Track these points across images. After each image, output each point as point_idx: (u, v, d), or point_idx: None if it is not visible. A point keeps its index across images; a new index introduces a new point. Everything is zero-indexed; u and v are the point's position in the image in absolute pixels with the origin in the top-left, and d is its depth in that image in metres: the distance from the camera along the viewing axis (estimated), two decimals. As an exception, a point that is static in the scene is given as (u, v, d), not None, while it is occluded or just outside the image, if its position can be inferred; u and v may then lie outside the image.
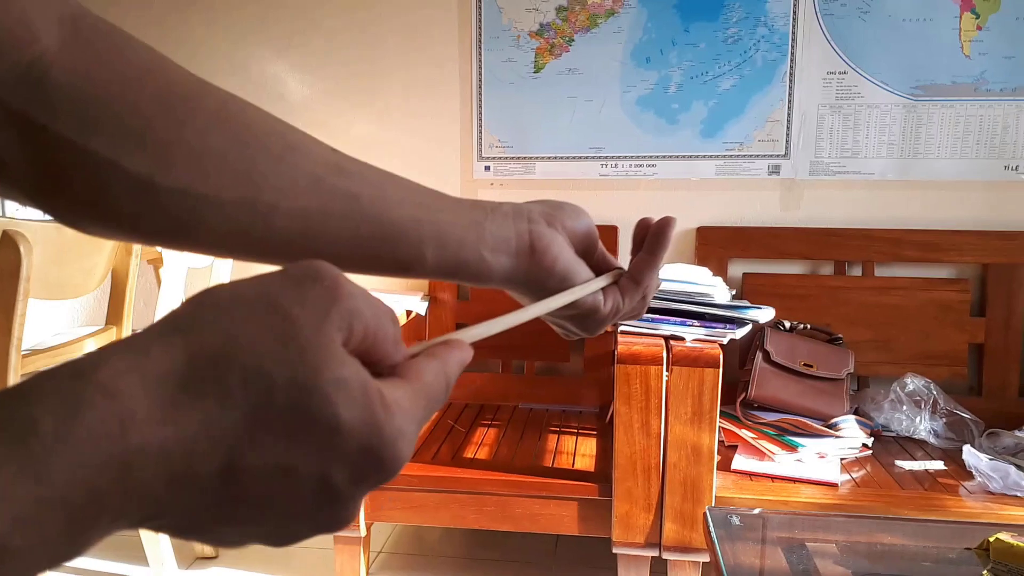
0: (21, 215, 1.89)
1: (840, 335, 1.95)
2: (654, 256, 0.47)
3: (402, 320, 2.00)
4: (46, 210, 0.37)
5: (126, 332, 1.66)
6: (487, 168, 2.20)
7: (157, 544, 1.75)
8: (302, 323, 0.25)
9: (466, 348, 0.32)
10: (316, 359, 0.24)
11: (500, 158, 2.19)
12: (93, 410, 0.21)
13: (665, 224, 0.48)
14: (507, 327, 0.36)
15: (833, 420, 1.74)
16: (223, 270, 2.09)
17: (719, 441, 1.64)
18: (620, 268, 0.47)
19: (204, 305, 0.25)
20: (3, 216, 1.84)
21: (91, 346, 1.56)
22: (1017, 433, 1.76)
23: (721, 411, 1.57)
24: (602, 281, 0.46)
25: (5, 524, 0.19)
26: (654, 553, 1.57)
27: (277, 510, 0.25)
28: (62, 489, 0.20)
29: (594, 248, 0.48)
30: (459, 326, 2.18)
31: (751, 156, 2.10)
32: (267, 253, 0.39)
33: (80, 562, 1.91)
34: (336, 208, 0.39)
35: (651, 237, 0.48)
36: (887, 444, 1.81)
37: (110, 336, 1.62)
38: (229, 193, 0.37)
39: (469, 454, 1.77)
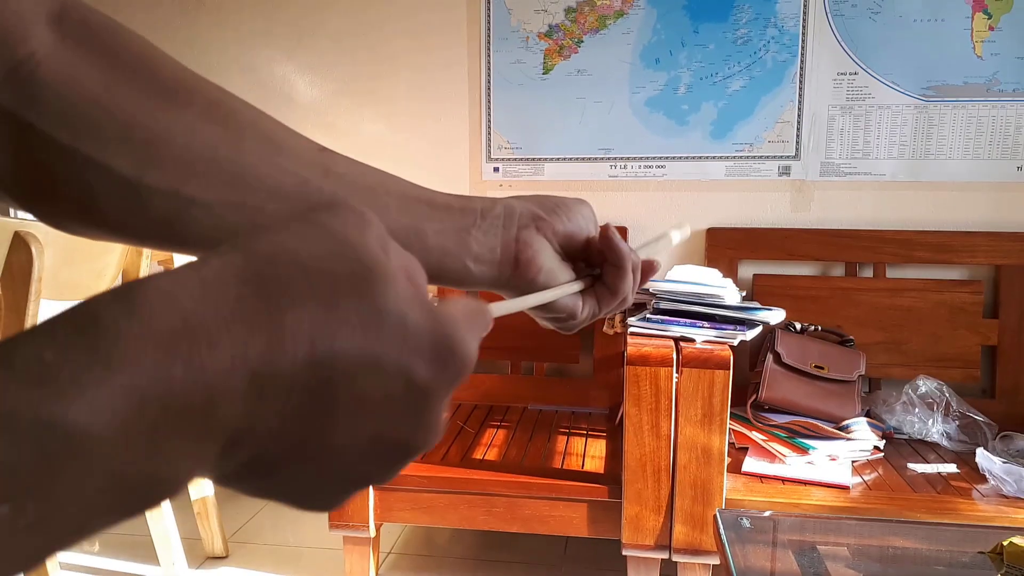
0: (33, 217, 1.90)
1: (851, 337, 1.94)
2: (619, 266, 0.46)
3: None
4: (32, 211, 0.37)
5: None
6: (496, 169, 2.20)
7: (168, 543, 1.76)
8: (349, 232, 0.25)
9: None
10: (370, 258, 0.24)
11: (509, 159, 2.19)
12: (151, 308, 0.20)
13: (604, 234, 0.46)
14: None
15: (844, 422, 1.73)
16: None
17: (729, 443, 1.63)
18: (593, 274, 0.47)
19: (248, 234, 0.24)
20: (15, 218, 1.86)
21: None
22: (1031, 436, 1.74)
23: (731, 413, 1.56)
24: (575, 286, 0.45)
25: (82, 410, 0.18)
26: (664, 555, 1.56)
27: (370, 416, 0.24)
28: (137, 378, 0.19)
29: (592, 244, 0.47)
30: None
31: (761, 157, 2.09)
32: None
33: (92, 561, 1.92)
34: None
35: (605, 251, 0.47)
36: (899, 447, 1.80)
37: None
38: (215, 195, 0.37)
39: (478, 455, 1.77)
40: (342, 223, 0.25)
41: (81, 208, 0.36)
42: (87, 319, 0.20)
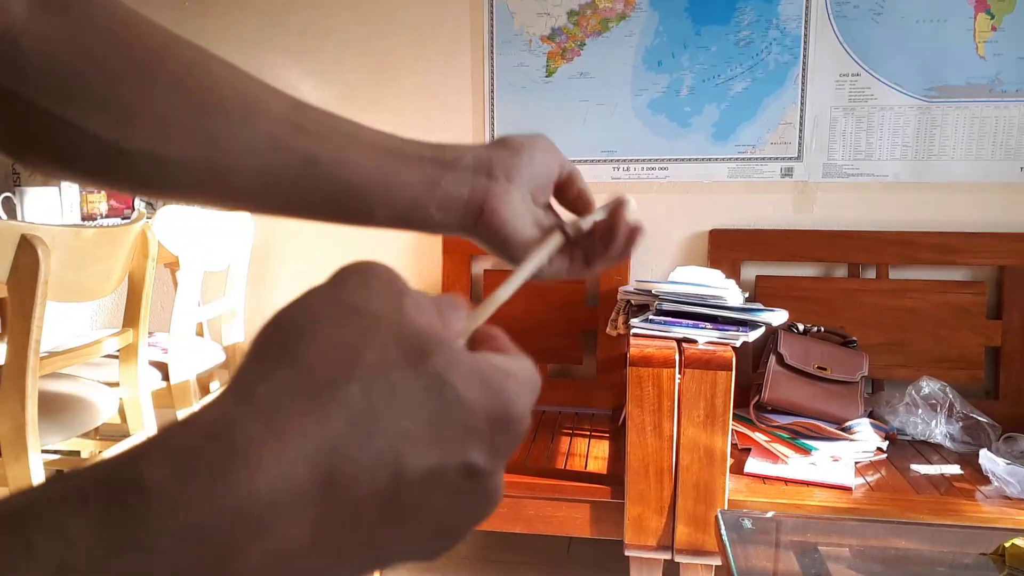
0: (39, 219, 1.92)
1: (854, 338, 1.94)
2: (611, 252, 0.48)
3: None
4: (17, 161, 0.39)
5: (143, 334, 1.68)
6: (499, 172, 2.20)
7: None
8: (386, 314, 0.24)
9: None
10: (416, 342, 0.23)
11: (512, 162, 2.19)
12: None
13: (618, 219, 0.47)
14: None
15: (847, 423, 1.73)
16: (239, 274, 2.11)
17: (732, 444, 1.64)
18: (565, 234, 0.47)
19: (282, 328, 0.23)
20: (22, 220, 1.87)
21: (110, 347, 1.58)
22: (1034, 437, 1.74)
23: (734, 414, 1.56)
24: (544, 254, 0.45)
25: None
26: (666, 556, 1.57)
27: (431, 514, 0.23)
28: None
29: (564, 188, 0.48)
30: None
31: (764, 159, 2.09)
32: (229, 203, 0.42)
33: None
34: (294, 167, 0.41)
35: (610, 238, 0.47)
36: (902, 448, 1.80)
37: (127, 338, 1.64)
38: (191, 154, 0.39)
39: (482, 457, 1.77)
40: (382, 303, 0.24)
41: (64, 162, 0.38)
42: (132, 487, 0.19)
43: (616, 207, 0.48)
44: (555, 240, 0.46)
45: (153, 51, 0.38)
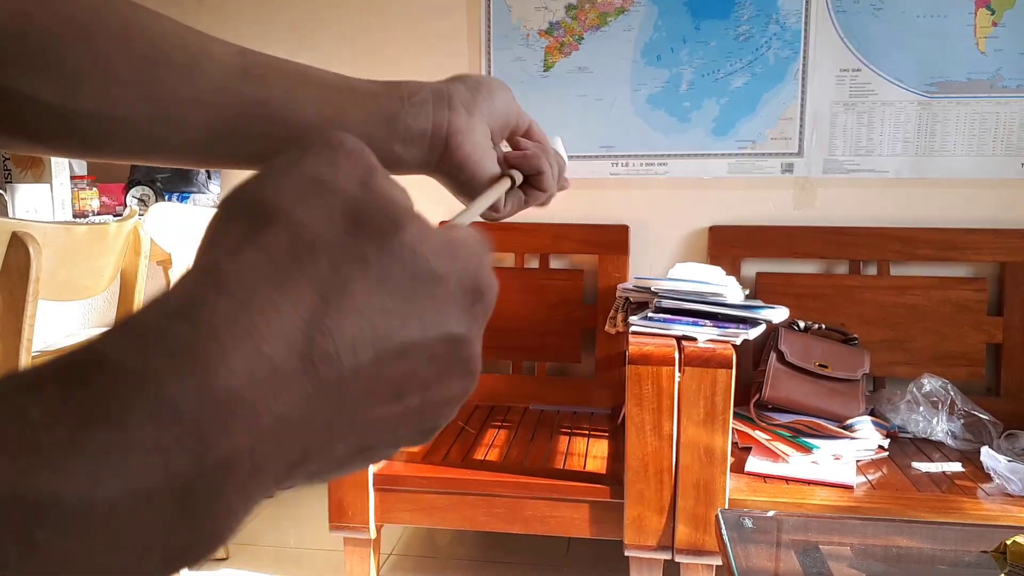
0: (30, 216, 1.90)
1: (855, 335, 1.93)
2: (541, 171, 0.48)
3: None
4: None
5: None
6: (497, 168, 2.19)
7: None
8: (353, 189, 0.22)
9: None
10: (387, 215, 0.22)
11: (510, 158, 2.18)
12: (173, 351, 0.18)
13: (523, 147, 0.48)
14: None
15: (848, 421, 1.72)
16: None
17: (732, 443, 1.62)
18: (510, 174, 0.47)
19: (245, 205, 0.22)
20: (12, 217, 1.85)
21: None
22: (1036, 434, 1.73)
23: (734, 412, 1.55)
24: (502, 189, 0.46)
25: (79, 483, 0.16)
26: (666, 556, 1.55)
27: (418, 389, 0.23)
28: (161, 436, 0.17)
29: (517, 129, 0.49)
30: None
31: (764, 154, 2.08)
32: (182, 158, 0.41)
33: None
34: (245, 114, 0.40)
35: (524, 162, 0.47)
36: (903, 446, 1.79)
37: (120, 337, 1.62)
38: (138, 112, 0.38)
39: (480, 456, 1.76)
40: (331, 173, 0.22)
41: (12, 130, 0.37)
42: (91, 363, 0.17)
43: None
44: (506, 184, 0.46)
45: (90, 9, 0.37)
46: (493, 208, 0.47)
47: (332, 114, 0.41)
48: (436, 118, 0.43)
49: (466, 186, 0.45)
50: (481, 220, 0.49)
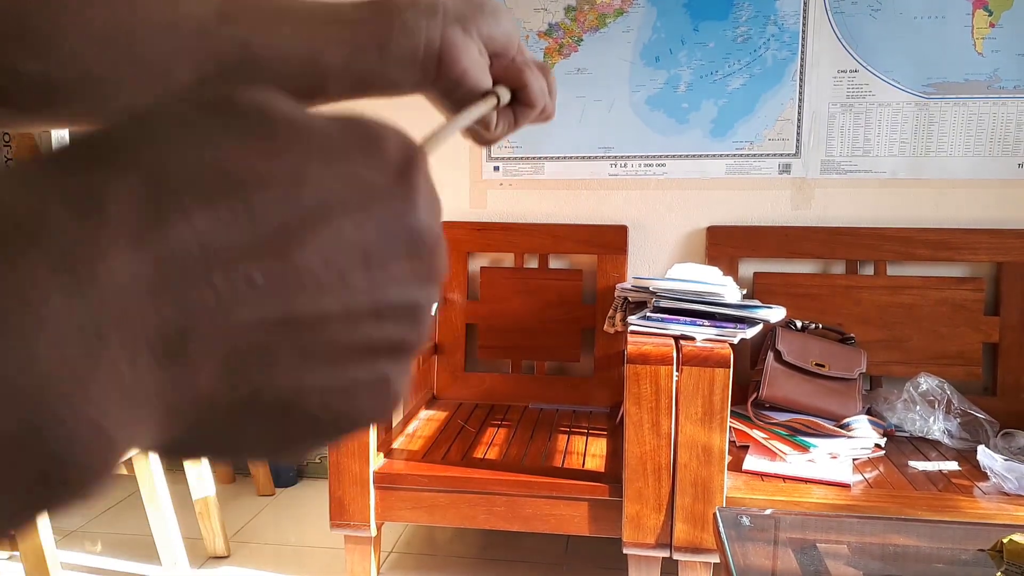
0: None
1: (852, 335, 1.94)
2: (536, 89, 0.44)
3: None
4: None
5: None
6: (496, 168, 2.20)
7: (169, 543, 1.76)
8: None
9: None
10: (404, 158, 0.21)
11: (509, 158, 2.19)
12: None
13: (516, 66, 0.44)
14: None
15: (845, 420, 1.73)
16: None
17: (730, 441, 1.63)
18: (494, 91, 0.43)
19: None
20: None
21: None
22: (1032, 433, 1.74)
23: (732, 411, 1.56)
24: (483, 108, 0.42)
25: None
26: (665, 554, 1.56)
27: (346, 274, 0.19)
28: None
29: (510, 54, 0.45)
30: (469, 327, 2.18)
31: (762, 155, 2.09)
32: None
33: (93, 560, 1.93)
34: (230, 58, 0.39)
35: (519, 84, 0.44)
36: (900, 444, 1.80)
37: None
38: (121, 71, 0.37)
39: (479, 454, 1.77)
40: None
41: (6, 105, 0.37)
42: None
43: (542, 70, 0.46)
44: (489, 103, 0.43)
45: None
46: (485, 128, 0.45)
47: (321, 47, 0.39)
48: (428, 33, 0.40)
49: (461, 106, 0.43)
50: (474, 141, 0.47)
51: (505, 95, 0.44)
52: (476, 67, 0.42)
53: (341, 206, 0.19)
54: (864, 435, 1.70)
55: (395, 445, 1.82)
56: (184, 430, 0.18)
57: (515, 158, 2.18)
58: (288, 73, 0.39)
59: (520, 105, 0.45)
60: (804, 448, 1.65)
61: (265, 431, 0.20)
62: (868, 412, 1.82)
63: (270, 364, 0.19)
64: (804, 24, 2.03)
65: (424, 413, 2.05)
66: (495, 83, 0.44)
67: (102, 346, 0.16)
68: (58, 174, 0.17)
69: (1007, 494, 1.53)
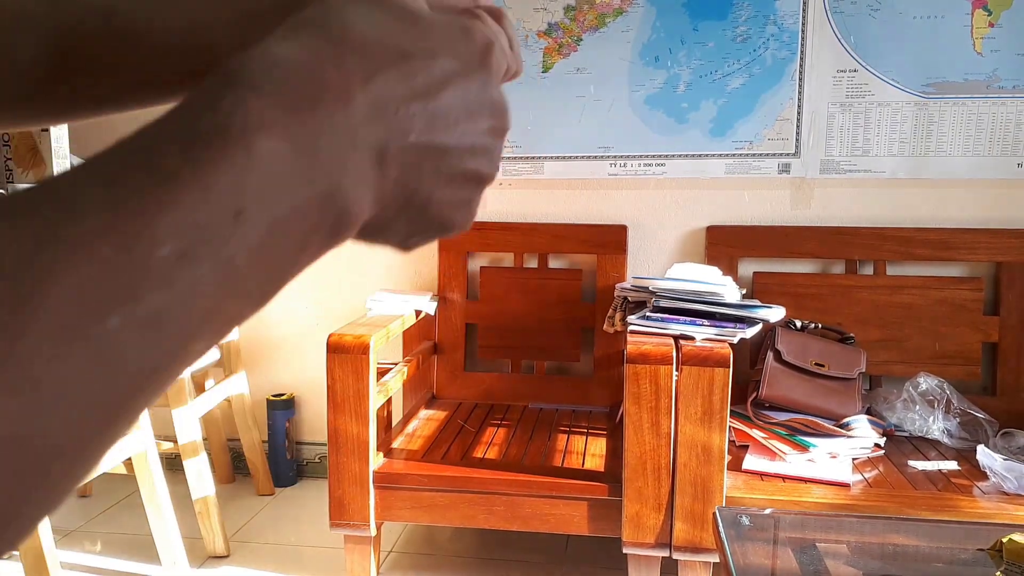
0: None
1: (852, 334, 1.94)
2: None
3: (411, 320, 2.00)
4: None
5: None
6: (496, 168, 2.19)
7: (169, 543, 1.76)
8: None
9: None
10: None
11: (509, 158, 2.19)
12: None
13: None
14: None
15: (845, 420, 1.73)
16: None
17: (730, 441, 1.63)
18: None
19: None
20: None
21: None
22: (1031, 433, 1.74)
23: (732, 411, 1.56)
24: None
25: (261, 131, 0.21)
26: (664, 553, 1.56)
27: (461, 113, 0.28)
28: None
29: (458, 7, 0.38)
30: (468, 326, 2.18)
31: (761, 155, 2.09)
32: (26, 110, 0.35)
33: (93, 560, 1.93)
34: (87, 29, 0.34)
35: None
36: (900, 444, 1.80)
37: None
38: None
39: (479, 454, 1.77)
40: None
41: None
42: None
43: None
44: None
45: None
46: None
47: (203, 21, 0.33)
48: None
49: None
50: None
51: None
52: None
53: (454, 74, 0.27)
54: (864, 435, 1.70)
55: (395, 445, 1.82)
56: (378, 212, 0.26)
57: (514, 157, 2.18)
58: (165, 48, 0.34)
59: None
60: (804, 448, 1.65)
61: (409, 222, 0.29)
62: (868, 412, 1.82)
63: (419, 176, 0.27)
64: (803, 24, 2.03)
65: (424, 413, 2.05)
66: None
67: (354, 149, 0.24)
68: (307, 47, 0.24)
69: (1006, 493, 1.53)
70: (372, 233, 0.28)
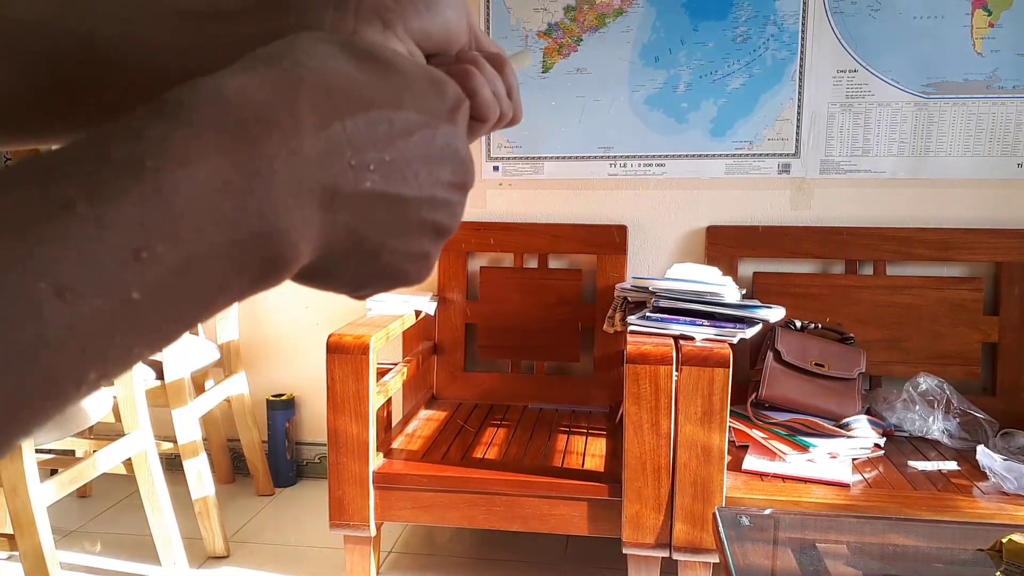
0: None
1: (852, 334, 1.94)
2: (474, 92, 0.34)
3: (411, 320, 2.00)
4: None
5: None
6: (496, 168, 2.20)
7: (169, 543, 1.76)
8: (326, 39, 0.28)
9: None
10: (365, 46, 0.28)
11: (509, 158, 2.19)
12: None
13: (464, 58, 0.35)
14: None
15: (845, 420, 1.73)
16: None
17: (730, 441, 1.63)
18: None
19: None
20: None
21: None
22: (1031, 433, 1.74)
23: (732, 411, 1.56)
24: None
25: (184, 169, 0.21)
26: (664, 554, 1.56)
27: (419, 159, 0.27)
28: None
29: (453, 51, 0.35)
30: (468, 327, 2.18)
31: (761, 155, 2.09)
32: (20, 133, 0.34)
33: (93, 561, 1.93)
34: (67, 57, 0.32)
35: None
36: (900, 444, 1.80)
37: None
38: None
39: (479, 454, 1.77)
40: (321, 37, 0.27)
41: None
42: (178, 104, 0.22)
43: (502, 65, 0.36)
44: None
45: None
46: None
47: (188, 50, 0.31)
48: (334, 29, 0.31)
49: None
50: None
51: None
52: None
53: (418, 125, 0.27)
54: (863, 435, 1.70)
55: (394, 445, 1.82)
56: (322, 257, 0.26)
57: (514, 158, 2.18)
58: (148, 77, 0.32)
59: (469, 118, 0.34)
60: (803, 448, 1.65)
61: (359, 270, 0.28)
62: (867, 412, 1.82)
63: (372, 224, 0.27)
64: (803, 24, 2.03)
65: (423, 413, 2.05)
66: None
67: (299, 192, 0.24)
68: (261, 84, 0.24)
69: (1006, 494, 1.53)
70: (317, 278, 0.28)
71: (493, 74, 0.34)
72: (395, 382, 1.85)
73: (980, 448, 1.63)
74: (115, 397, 1.71)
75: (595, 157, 2.15)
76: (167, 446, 1.93)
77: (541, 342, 2.14)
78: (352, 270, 0.28)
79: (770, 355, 1.82)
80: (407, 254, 0.29)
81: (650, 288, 1.76)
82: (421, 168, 0.27)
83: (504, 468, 1.69)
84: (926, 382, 1.84)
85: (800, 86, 2.05)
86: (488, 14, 2.14)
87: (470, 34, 0.35)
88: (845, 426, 1.72)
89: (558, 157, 2.17)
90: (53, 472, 1.53)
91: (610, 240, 2.12)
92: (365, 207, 0.26)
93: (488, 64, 0.34)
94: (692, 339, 1.58)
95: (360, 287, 0.29)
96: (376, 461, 1.70)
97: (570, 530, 1.65)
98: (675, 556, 1.56)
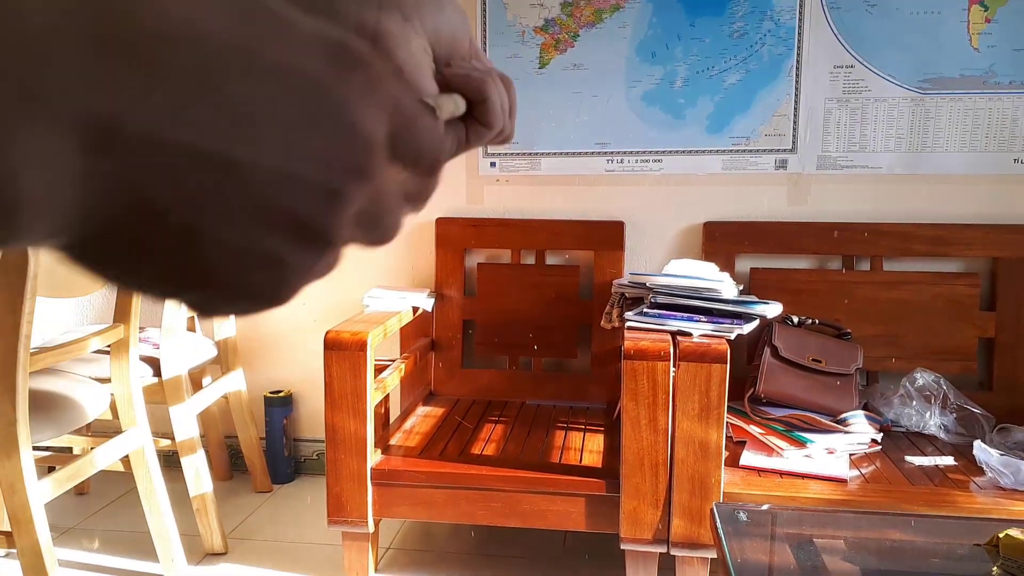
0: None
1: (849, 330, 1.94)
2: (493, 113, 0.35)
3: (408, 317, 2.00)
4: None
5: (134, 329, 1.66)
6: (493, 164, 2.19)
7: (167, 540, 1.76)
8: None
9: None
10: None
11: (506, 154, 2.18)
12: None
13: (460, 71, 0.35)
14: None
15: (842, 415, 1.73)
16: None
17: (727, 437, 1.64)
18: (438, 100, 0.34)
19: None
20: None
21: (97, 344, 1.57)
22: (1027, 428, 1.74)
23: (729, 407, 1.56)
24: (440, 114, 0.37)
25: None
26: (662, 549, 1.57)
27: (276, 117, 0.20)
28: None
29: (458, 56, 0.36)
30: (466, 323, 2.18)
31: (758, 151, 2.09)
32: None
33: (91, 558, 1.93)
34: None
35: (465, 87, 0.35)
36: (897, 439, 1.80)
37: (118, 334, 1.62)
38: None
39: (477, 450, 1.77)
40: None
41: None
42: None
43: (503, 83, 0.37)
44: (445, 108, 0.34)
45: None
46: None
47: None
48: (360, 17, 0.30)
49: None
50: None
51: (460, 105, 0.35)
52: (415, 63, 0.33)
53: (277, 76, 0.20)
54: (861, 430, 1.71)
55: (392, 441, 1.82)
56: (96, 229, 0.19)
57: (512, 154, 2.18)
58: None
59: (475, 122, 0.34)
60: (801, 443, 1.66)
61: (162, 262, 0.20)
62: (865, 407, 1.82)
63: (181, 192, 0.19)
64: (800, 20, 2.03)
65: (421, 409, 2.05)
66: (442, 91, 0.35)
67: (42, 117, 0.17)
68: None
69: (1003, 489, 1.54)
70: (95, 262, 0.20)
71: (503, 88, 0.35)
72: (393, 378, 1.85)
73: (977, 443, 1.64)
74: (112, 394, 1.70)
75: (592, 153, 2.15)
76: (165, 443, 1.93)
77: (539, 338, 2.14)
78: (150, 261, 0.20)
79: (767, 351, 1.82)
80: (244, 253, 0.21)
81: (647, 284, 1.76)
82: (275, 130, 0.20)
83: (502, 464, 1.69)
84: (923, 377, 1.84)
85: (797, 82, 2.05)
86: (485, 10, 2.14)
87: (471, 46, 0.35)
88: (842, 422, 1.72)
89: (555, 153, 2.16)
90: (50, 469, 1.53)
91: (607, 236, 2.12)
92: (169, 164, 0.19)
93: (499, 77, 0.34)
94: (689, 335, 1.58)
95: (171, 289, 0.21)
96: (374, 457, 1.70)
97: (568, 526, 1.65)
98: (673, 552, 1.56)
